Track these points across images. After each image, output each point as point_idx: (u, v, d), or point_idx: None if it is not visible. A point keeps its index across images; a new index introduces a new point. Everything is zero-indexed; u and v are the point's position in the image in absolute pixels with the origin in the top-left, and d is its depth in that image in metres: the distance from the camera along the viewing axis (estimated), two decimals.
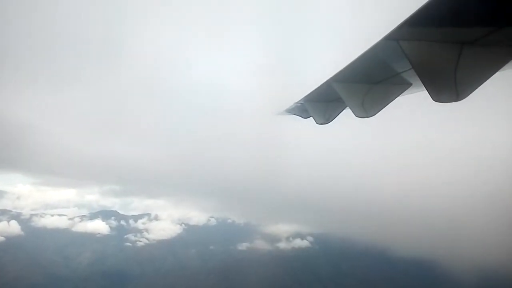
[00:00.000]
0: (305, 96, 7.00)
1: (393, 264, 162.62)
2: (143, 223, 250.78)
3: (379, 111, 5.73)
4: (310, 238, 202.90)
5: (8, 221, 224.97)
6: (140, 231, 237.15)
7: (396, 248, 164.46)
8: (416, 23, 3.80)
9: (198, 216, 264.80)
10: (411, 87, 5.61)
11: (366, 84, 5.72)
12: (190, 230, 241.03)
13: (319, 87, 6.30)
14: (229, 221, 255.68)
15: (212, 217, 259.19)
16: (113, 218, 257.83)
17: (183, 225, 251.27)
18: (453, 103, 4.27)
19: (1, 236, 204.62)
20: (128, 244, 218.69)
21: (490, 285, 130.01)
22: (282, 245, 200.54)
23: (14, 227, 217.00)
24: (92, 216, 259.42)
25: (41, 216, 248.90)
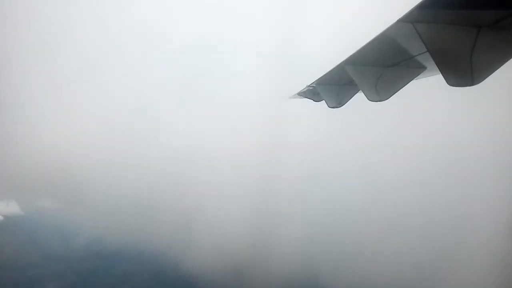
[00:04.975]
0: (318, 79, 6.92)
1: None
2: None
3: (392, 95, 5.67)
4: None
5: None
6: None
7: None
8: (432, 5, 3.72)
9: None
10: (425, 70, 5.53)
11: (379, 67, 5.65)
12: None
13: (331, 70, 6.23)
14: None
15: None
16: None
17: None
18: (468, 87, 4.22)
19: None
20: None
21: None
22: None
23: (13, 207, 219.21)
24: None
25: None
